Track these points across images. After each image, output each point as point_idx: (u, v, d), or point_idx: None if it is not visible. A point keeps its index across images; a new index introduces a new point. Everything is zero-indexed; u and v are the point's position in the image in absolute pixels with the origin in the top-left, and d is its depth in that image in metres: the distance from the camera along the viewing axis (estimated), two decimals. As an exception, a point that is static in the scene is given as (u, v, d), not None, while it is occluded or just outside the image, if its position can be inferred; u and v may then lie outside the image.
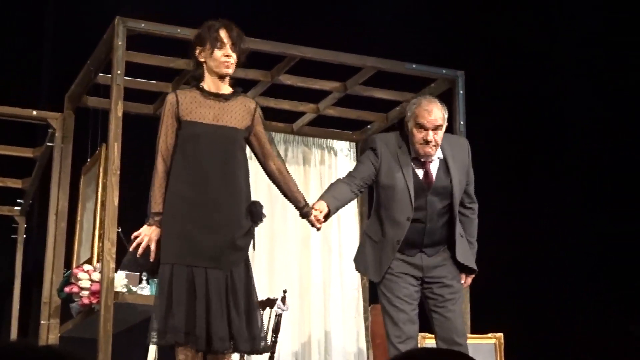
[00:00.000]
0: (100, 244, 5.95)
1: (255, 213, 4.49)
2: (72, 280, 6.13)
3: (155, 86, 6.94)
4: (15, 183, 8.19)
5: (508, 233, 7.94)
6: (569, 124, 7.72)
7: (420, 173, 4.76)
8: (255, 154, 4.64)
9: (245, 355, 5.46)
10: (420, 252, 4.80)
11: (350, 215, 7.51)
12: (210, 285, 4.29)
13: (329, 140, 7.68)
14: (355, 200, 7.52)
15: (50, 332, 6.64)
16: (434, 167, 4.79)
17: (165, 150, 4.47)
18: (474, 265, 4.93)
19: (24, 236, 8.46)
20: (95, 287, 5.89)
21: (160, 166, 4.45)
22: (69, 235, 6.87)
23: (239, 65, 4.56)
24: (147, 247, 4.42)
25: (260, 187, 7.33)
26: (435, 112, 4.66)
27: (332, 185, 4.90)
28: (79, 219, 6.96)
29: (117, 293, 5.58)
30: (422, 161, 4.76)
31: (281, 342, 6.25)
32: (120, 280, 5.92)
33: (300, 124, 7.54)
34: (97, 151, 6.70)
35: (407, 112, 4.79)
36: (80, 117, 6.95)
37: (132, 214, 5.45)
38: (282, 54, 6.33)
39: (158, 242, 4.41)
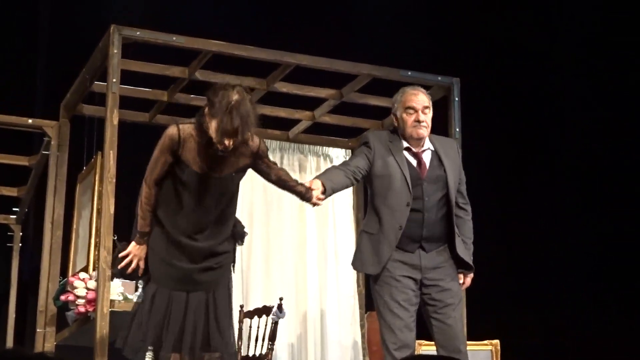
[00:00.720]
0: (96, 252, 5.94)
1: (237, 234, 4.69)
2: (68, 289, 6.12)
3: (151, 94, 6.94)
4: (10, 191, 8.18)
5: (504, 238, 7.96)
6: (566, 127, 7.74)
7: (413, 162, 4.84)
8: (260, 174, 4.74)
9: None
10: (419, 247, 4.78)
11: (346, 222, 7.51)
12: (190, 306, 4.49)
13: (324, 147, 7.68)
14: (351, 206, 7.56)
15: (46, 341, 6.63)
16: (426, 157, 4.88)
17: (158, 178, 4.52)
18: (471, 262, 4.92)
19: (20, 244, 8.45)
20: (91, 295, 5.88)
21: (153, 190, 4.52)
22: (64, 244, 6.86)
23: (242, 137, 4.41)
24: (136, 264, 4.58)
25: (256, 192, 7.35)
26: (421, 95, 4.89)
27: (326, 170, 4.96)
28: (74, 227, 6.95)
29: (112, 301, 5.58)
30: (414, 151, 4.84)
31: (277, 349, 6.24)
32: (116, 288, 5.92)
33: (296, 131, 7.54)
34: (92, 159, 6.70)
35: (394, 105, 4.94)
36: (75, 125, 6.95)
37: (128, 222, 5.45)
38: (278, 61, 6.34)
39: (146, 258, 4.57)
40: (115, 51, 5.66)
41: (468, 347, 5.19)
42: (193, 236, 4.52)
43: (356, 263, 4.96)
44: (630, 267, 7.00)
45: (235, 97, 4.35)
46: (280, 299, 6.11)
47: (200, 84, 6.71)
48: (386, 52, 7.75)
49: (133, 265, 4.55)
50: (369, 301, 7.30)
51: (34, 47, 8.49)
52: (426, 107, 4.85)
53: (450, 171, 4.86)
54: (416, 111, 4.82)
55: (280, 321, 6.09)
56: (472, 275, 4.99)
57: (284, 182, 4.72)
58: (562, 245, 7.51)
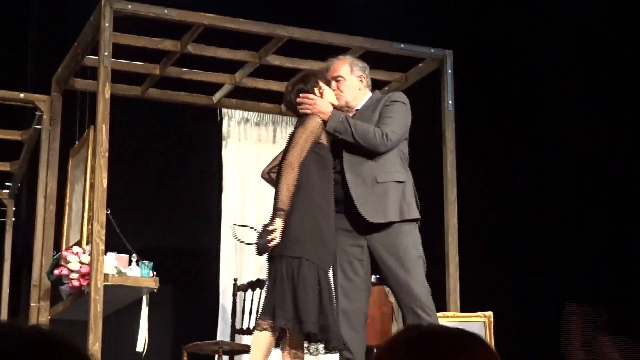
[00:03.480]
0: (90, 226, 5.94)
1: None
2: (62, 263, 6.13)
3: (143, 68, 6.92)
4: (3, 166, 8.16)
5: (497, 211, 7.97)
6: (559, 100, 7.74)
7: None
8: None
9: None
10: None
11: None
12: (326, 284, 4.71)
13: (317, 120, 7.66)
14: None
15: (40, 315, 6.64)
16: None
17: (301, 160, 4.78)
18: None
19: (13, 219, 8.45)
20: (85, 269, 5.89)
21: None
22: (58, 218, 6.87)
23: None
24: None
25: (249, 165, 7.35)
26: (332, 64, 5.18)
27: None
28: (67, 201, 6.95)
29: (106, 275, 5.58)
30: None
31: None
32: (110, 262, 5.92)
33: (289, 104, 7.53)
34: (85, 133, 6.69)
35: None
36: (67, 99, 6.93)
37: (120, 196, 5.46)
38: (270, 34, 6.32)
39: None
40: (107, 24, 5.63)
41: (461, 319, 5.22)
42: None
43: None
44: (622, 243, 7.03)
45: None
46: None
47: (192, 57, 6.70)
48: (379, 25, 7.73)
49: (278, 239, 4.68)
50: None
51: (25, 21, 8.44)
52: (337, 77, 5.07)
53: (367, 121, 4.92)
54: (329, 83, 5.05)
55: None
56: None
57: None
58: (552, 218, 7.52)
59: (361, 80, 5.09)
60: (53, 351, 1.20)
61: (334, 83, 5.04)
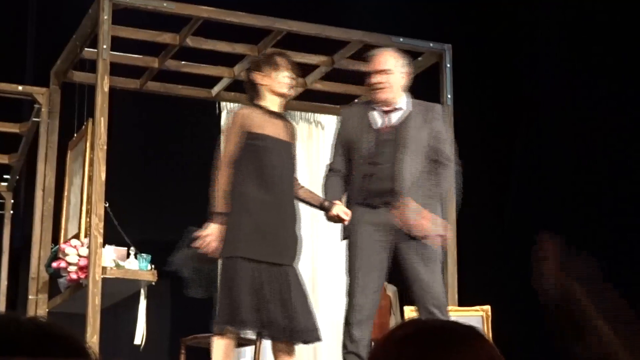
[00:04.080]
0: (88, 219, 5.94)
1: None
2: (60, 256, 6.13)
3: (141, 61, 6.91)
4: (1, 159, 8.16)
5: (495, 203, 7.98)
6: (558, 97, 7.74)
7: (379, 121, 4.89)
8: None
9: None
10: (383, 203, 4.82)
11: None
12: (285, 281, 4.69)
13: (316, 114, 7.67)
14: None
15: (38, 308, 6.64)
16: (395, 116, 4.90)
17: (231, 158, 4.80)
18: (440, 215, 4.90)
19: (11, 212, 8.45)
20: (83, 262, 5.89)
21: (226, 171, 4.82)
22: (56, 211, 6.86)
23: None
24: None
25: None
26: (376, 56, 4.94)
27: (326, 186, 5.02)
28: (66, 194, 6.95)
29: (104, 268, 5.59)
30: (384, 110, 4.90)
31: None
32: (108, 255, 5.93)
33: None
34: (83, 126, 6.69)
35: None
36: (66, 92, 6.92)
37: (118, 189, 5.45)
38: (269, 28, 6.31)
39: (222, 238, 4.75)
40: (106, 17, 5.63)
41: (459, 313, 5.23)
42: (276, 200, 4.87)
43: (344, 232, 4.98)
44: (616, 225, 7.04)
45: None
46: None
47: (191, 50, 6.69)
48: (378, 18, 7.72)
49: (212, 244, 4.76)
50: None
51: (24, 13, 8.43)
52: (382, 70, 4.86)
53: (415, 130, 4.84)
54: (369, 76, 4.92)
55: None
56: (428, 218, 4.79)
57: (303, 192, 5.01)
58: (554, 211, 7.53)
59: (404, 77, 4.96)
60: (50, 342, 1.20)
61: (379, 76, 4.85)
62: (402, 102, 4.92)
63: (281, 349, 4.76)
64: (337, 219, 4.86)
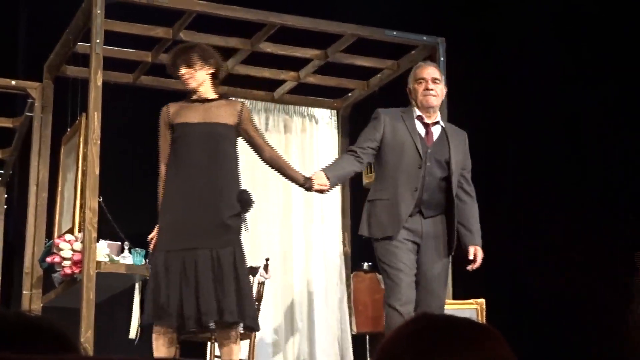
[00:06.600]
0: (82, 214, 5.93)
1: (242, 200, 4.91)
2: (54, 251, 6.12)
3: (135, 55, 6.90)
4: (-6, 153, 8.14)
5: (489, 198, 7.97)
6: (552, 89, 7.74)
7: (422, 130, 5.11)
8: (251, 147, 5.13)
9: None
10: (418, 212, 5.00)
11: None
12: (192, 266, 4.72)
13: (310, 108, 7.67)
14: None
15: (32, 303, 6.63)
16: (435, 129, 5.15)
17: (163, 155, 4.96)
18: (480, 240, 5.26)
19: (5, 207, 8.42)
20: (77, 256, 5.88)
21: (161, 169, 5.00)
22: (50, 206, 6.85)
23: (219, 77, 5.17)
24: None
25: (241, 154, 7.32)
26: (431, 68, 5.24)
27: (336, 159, 5.44)
28: (59, 189, 6.93)
29: (99, 262, 5.58)
30: (425, 121, 5.12)
31: (264, 309, 6.27)
32: (102, 249, 5.92)
33: (281, 92, 7.52)
34: (77, 121, 6.67)
35: (408, 81, 5.24)
36: (59, 86, 6.90)
37: (112, 183, 5.44)
38: (262, 21, 6.30)
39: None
40: (99, 12, 5.62)
41: (453, 306, 5.32)
42: (194, 186, 4.94)
43: (372, 229, 5.07)
44: (610, 221, 7.05)
45: None
46: (267, 260, 6.14)
47: (184, 44, 6.67)
48: (371, 12, 7.71)
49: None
50: (355, 261, 7.34)
51: (16, 7, 8.40)
52: (436, 79, 5.14)
53: (454, 148, 5.11)
54: (426, 81, 5.11)
55: (267, 282, 6.12)
56: (482, 252, 5.21)
57: (278, 165, 5.09)
58: (548, 206, 7.53)
59: (444, 92, 5.25)
60: (36, 337, 1.20)
61: (432, 84, 5.10)
62: (438, 117, 5.21)
63: (219, 337, 4.91)
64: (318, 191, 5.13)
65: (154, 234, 4.89)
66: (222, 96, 5.12)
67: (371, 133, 5.11)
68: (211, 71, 5.04)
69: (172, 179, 4.87)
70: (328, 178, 5.00)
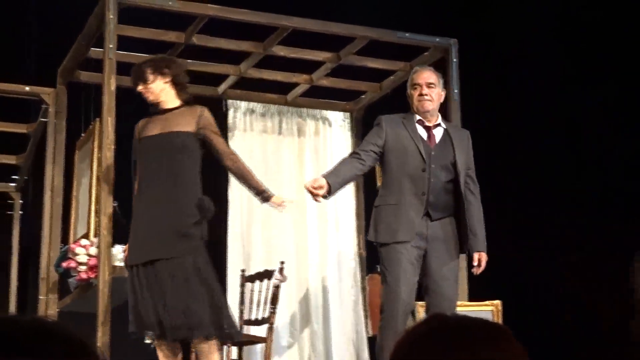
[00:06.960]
0: (97, 219, 5.94)
1: (201, 208, 4.86)
2: (70, 256, 6.13)
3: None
4: (9, 159, 8.17)
5: (504, 200, 7.96)
6: (565, 90, 7.72)
7: (424, 133, 5.12)
8: (213, 153, 5.06)
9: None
10: (425, 214, 4.98)
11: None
12: (154, 279, 4.76)
13: (323, 111, 7.66)
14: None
15: (48, 308, 6.65)
16: (437, 132, 5.15)
17: (135, 171, 5.04)
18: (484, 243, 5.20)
19: (20, 212, 8.46)
20: (93, 261, 5.89)
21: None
22: (65, 211, 6.86)
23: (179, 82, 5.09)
24: None
25: (255, 157, 7.35)
26: (426, 72, 5.20)
27: (338, 162, 5.26)
28: (74, 194, 6.95)
29: (114, 267, 5.59)
30: (426, 125, 5.13)
31: (279, 312, 6.27)
32: (118, 254, 5.92)
33: (294, 95, 7.52)
34: (90, 126, 6.68)
35: (407, 87, 5.24)
36: (73, 91, 6.92)
37: (127, 189, 5.44)
38: (275, 25, 6.31)
39: None
40: (112, 17, 5.63)
41: (469, 308, 5.29)
42: (150, 197, 5.02)
43: (378, 235, 5.05)
44: (625, 220, 7.02)
45: None
46: (282, 263, 6.13)
47: (196, 48, 6.68)
48: (383, 14, 7.71)
49: None
50: (370, 264, 7.33)
51: (28, 13, 8.43)
52: (431, 84, 5.14)
53: (458, 149, 5.10)
54: (420, 86, 5.12)
55: (282, 285, 6.11)
56: (486, 256, 5.16)
57: (239, 172, 5.04)
58: (563, 206, 7.51)
59: (442, 96, 5.22)
60: (51, 343, 1.19)
61: (427, 88, 5.10)
62: (439, 119, 5.20)
63: (196, 348, 4.89)
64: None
65: (125, 249, 4.99)
66: (186, 102, 5.07)
67: (373, 138, 5.14)
68: (167, 79, 5.01)
69: (137, 195, 4.95)
70: (329, 184, 4.96)
